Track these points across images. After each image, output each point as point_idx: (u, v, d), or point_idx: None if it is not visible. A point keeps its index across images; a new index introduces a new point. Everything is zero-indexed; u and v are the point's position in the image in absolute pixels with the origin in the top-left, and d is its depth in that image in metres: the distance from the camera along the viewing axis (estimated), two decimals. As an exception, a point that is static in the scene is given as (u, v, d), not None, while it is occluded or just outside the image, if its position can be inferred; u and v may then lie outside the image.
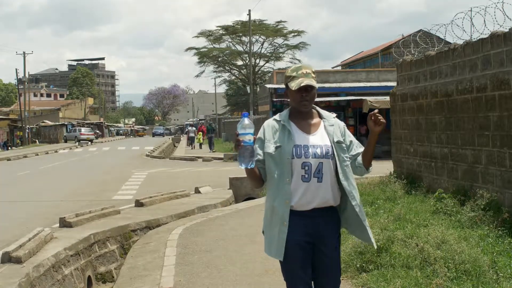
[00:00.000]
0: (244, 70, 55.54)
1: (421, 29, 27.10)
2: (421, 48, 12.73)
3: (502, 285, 4.46)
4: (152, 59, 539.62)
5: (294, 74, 3.06)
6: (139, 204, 11.30)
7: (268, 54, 56.26)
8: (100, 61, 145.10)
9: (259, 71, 57.22)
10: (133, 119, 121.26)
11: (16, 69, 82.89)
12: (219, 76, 63.31)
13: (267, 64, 57.72)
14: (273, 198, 3.04)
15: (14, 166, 25.94)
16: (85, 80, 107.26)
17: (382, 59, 48.80)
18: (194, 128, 39.62)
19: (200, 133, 37.74)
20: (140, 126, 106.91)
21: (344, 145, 3.10)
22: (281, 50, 56.18)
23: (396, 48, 32.39)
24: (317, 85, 3.06)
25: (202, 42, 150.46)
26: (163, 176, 19.58)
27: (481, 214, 6.58)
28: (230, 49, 55.52)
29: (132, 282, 5.87)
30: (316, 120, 3.14)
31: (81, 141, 52.16)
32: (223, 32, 54.71)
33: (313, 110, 3.18)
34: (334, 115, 3.21)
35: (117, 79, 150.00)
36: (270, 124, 3.14)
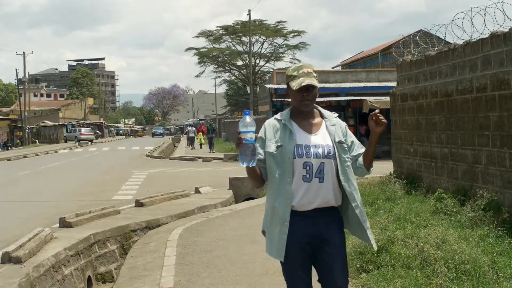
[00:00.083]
0: (244, 70, 55.55)
1: (421, 29, 27.13)
2: (421, 48, 12.72)
3: (502, 285, 4.45)
4: (152, 59, 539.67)
5: (295, 73, 3.03)
6: (139, 204, 11.31)
7: (268, 54, 56.31)
8: (100, 61, 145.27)
9: (259, 71, 57.24)
10: (133, 119, 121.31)
11: (16, 69, 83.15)
12: (219, 76, 63.46)
13: (267, 64, 57.86)
14: (274, 198, 3.01)
15: (14, 166, 25.95)
16: (85, 80, 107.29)
17: (382, 59, 48.82)
18: (194, 128, 39.61)
19: (201, 133, 37.71)
20: (140, 126, 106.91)
21: (345, 146, 3.06)
22: (281, 50, 56.29)
23: (396, 48, 32.45)
24: (318, 85, 3.03)
25: (202, 42, 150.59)
26: (163, 176, 19.58)
27: (481, 214, 6.58)
28: (230, 49, 55.54)
29: (132, 282, 5.86)
30: (317, 119, 3.10)
31: (81, 141, 52.21)
32: (223, 32, 54.76)
33: (315, 110, 3.14)
34: (336, 114, 3.17)
35: (117, 79, 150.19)
36: (271, 123, 3.10)
